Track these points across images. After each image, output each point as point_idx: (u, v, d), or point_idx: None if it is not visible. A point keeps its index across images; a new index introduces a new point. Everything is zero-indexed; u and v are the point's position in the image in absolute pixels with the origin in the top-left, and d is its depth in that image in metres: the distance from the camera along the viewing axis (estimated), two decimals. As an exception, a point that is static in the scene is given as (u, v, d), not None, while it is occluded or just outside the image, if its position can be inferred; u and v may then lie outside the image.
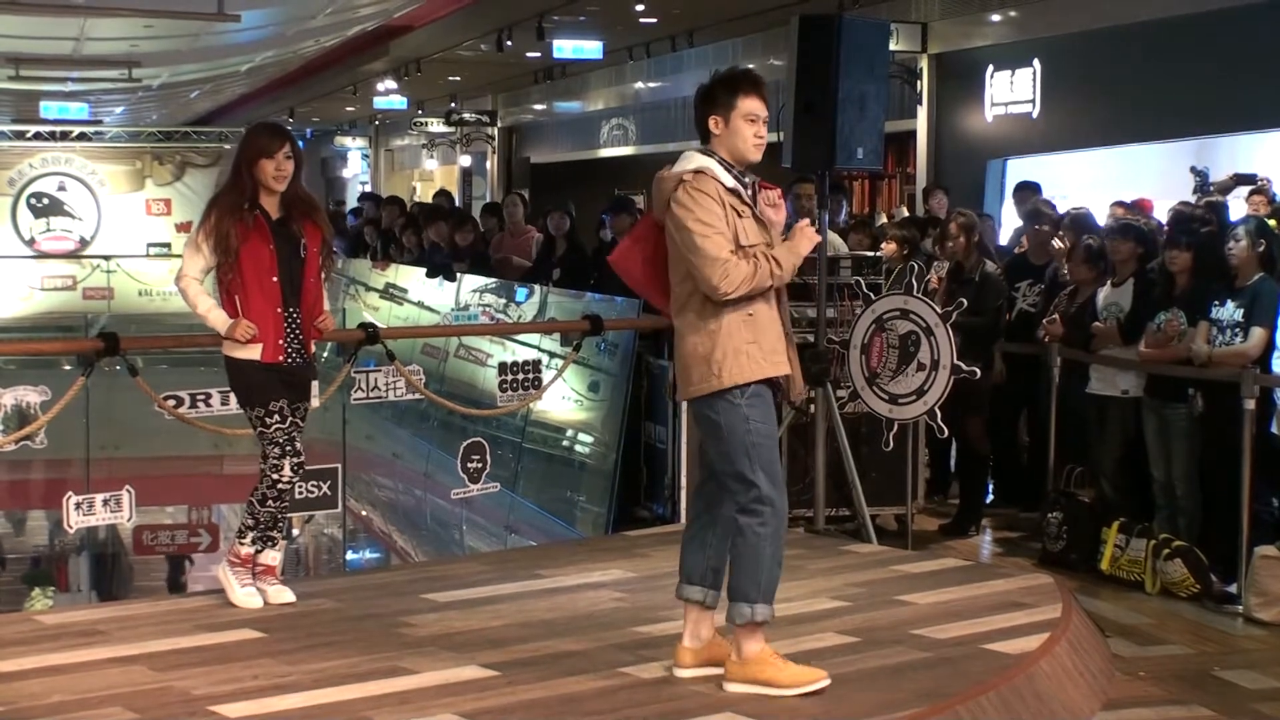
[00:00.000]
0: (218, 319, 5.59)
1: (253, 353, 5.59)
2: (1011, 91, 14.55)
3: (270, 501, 5.72)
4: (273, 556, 5.82)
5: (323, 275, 5.77)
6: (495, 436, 9.68)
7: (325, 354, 6.98)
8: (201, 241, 5.59)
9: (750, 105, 4.69)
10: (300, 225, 5.68)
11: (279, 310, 5.61)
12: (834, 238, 8.63)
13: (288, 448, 5.65)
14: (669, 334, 8.17)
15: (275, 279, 5.59)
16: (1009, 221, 12.30)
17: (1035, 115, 14.25)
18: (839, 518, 7.93)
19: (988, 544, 8.49)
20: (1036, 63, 14.17)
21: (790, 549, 6.93)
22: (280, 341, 5.62)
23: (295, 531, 13.81)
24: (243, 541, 5.76)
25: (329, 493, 7.05)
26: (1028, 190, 10.63)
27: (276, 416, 5.63)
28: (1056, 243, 9.02)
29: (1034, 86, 14.23)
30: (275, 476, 5.66)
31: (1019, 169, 14.44)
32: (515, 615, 5.65)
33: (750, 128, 4.69)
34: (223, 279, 5.64)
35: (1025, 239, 9.55)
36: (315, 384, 5.82)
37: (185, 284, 5.62)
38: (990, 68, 14.79)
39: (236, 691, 4.66)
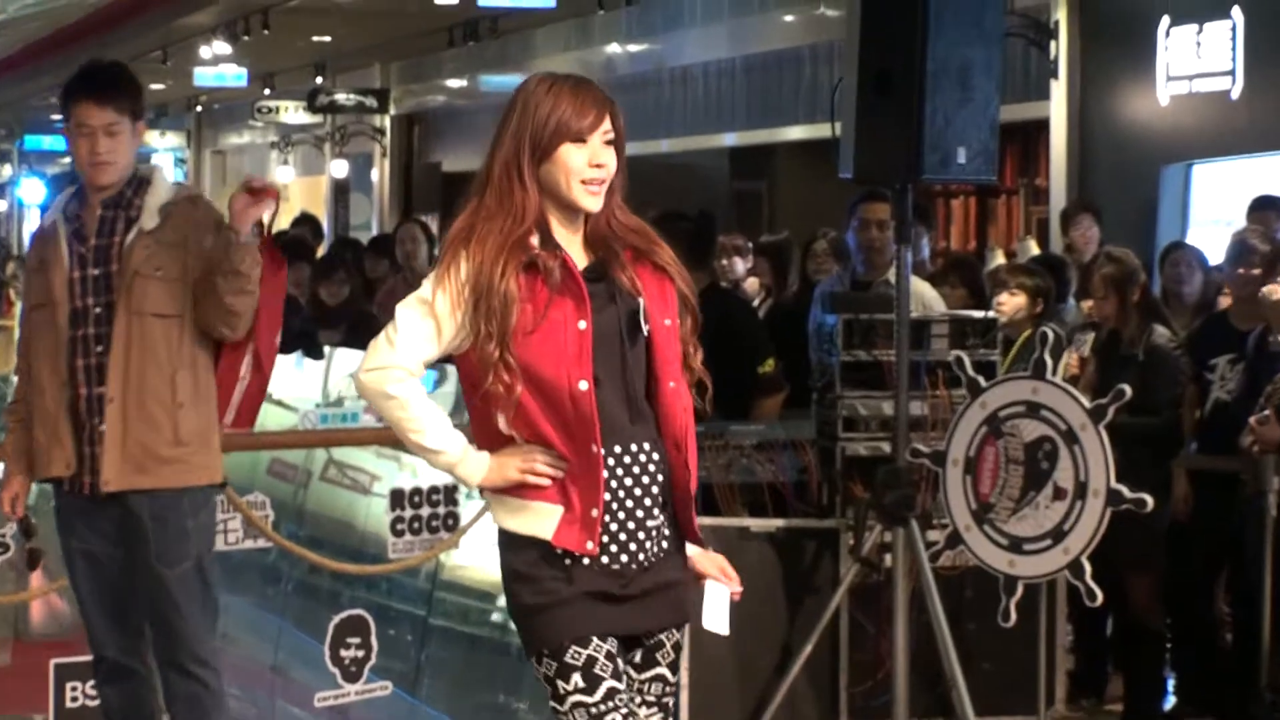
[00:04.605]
0: (474, 466, 4.48)
1: (540, 525, 4.42)
2: (1199, 58, 14.67)
3: None
4: None
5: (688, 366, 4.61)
6: (385, 607, 9.67)
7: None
8: (439, 296, 4.42)
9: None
10: (633, 273, 4.56)
11: (598, 448, 4.41)
12: (922, 288, 8.64)
13: None
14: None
15: (587, 385, 4.39)
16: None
17: (1235, 95, 14.37)
18: (933, 733, 7.96)
19: (1168, 774, 8.51)
20: (1237, 12, 14.31)
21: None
22: (594, 511, 4.39)
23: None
24: None
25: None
26: (1271, 210, 10.63)
27: (579, 677, 4.35)
28: (1267, 292, 9.06)
29: (1233, 50, 14.35)
30: None
31: (1210, 177, 14.52)
32: None
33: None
34: (468, 376, 4.51)
35: (1227, 289, 9.58)
36: (721, 593, 4.64)
37: (399, 387, 4.46)
38: (1165, 21, 14.94)
39: None
